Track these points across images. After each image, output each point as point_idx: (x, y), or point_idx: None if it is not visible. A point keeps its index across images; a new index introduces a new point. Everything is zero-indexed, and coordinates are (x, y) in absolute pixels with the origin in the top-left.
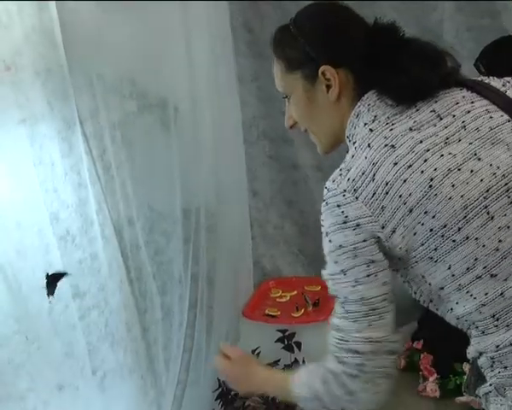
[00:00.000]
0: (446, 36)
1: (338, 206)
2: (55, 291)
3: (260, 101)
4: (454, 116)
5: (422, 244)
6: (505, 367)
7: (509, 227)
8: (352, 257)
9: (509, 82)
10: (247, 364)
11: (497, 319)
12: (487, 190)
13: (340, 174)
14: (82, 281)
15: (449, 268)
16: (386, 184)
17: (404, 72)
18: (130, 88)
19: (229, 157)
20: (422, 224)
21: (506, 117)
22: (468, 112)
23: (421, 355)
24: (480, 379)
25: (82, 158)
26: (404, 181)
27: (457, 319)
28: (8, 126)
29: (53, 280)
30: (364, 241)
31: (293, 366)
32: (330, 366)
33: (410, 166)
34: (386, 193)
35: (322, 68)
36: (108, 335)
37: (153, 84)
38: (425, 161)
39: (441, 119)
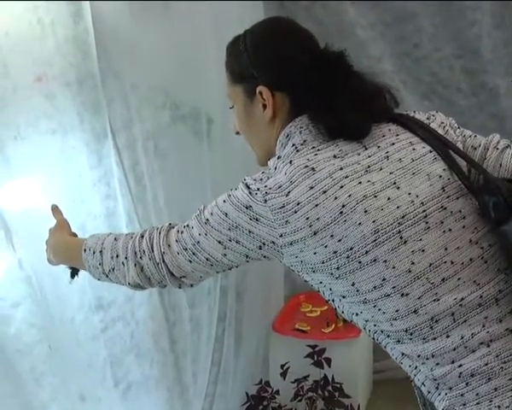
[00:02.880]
0: (484, 52)
1: (250, 194)
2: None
3: None
4: (379, 147)
5: (323, 262)
6: (450, 388)
7: (423, 251)
8: (225, 227)
9: (433, 115)
10: (58, 232)
11: (411, 334)
12: (403, 217)
13: (261, 178)
14: (107, 292)
15: (352, 285)
16: (298, 204)
17: (337, 114)
18: (164, 98)
19: (260, 169)
20: (326, 246)
21: (428, 148)
22: (393, 144)
23: None
24: (431, 406)
25: (112, 169)
26: (316, 205)
27: (366, 321)
28: (37, 137)
29: None
30: (250, 232)
31: (322, 382)
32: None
33: (325, 191)
34: (295, 212)
35: (259, 88)
36: (134, 346)
37: (186, 95)
38: (341, 187)
39: (366, 149)
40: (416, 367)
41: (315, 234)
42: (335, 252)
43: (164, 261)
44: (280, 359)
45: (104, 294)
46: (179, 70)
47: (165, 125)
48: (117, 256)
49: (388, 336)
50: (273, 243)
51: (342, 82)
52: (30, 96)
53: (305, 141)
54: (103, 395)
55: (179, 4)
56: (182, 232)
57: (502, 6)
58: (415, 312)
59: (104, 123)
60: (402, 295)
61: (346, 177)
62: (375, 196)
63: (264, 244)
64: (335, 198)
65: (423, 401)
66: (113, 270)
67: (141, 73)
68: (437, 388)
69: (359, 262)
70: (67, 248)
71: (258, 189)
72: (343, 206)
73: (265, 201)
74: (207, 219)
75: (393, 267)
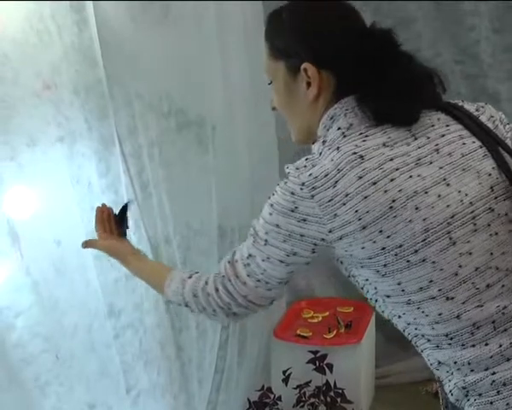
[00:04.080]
0: (483, 56)
1: (292, 193)
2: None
3: None
4: (428, 138)
5: (370, 258)
6: (479, 395)
7: (471, 254)
8: (281, 240)
9: (482, 107)
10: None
11: (451, 339)
12: (452, 216)
13: (305, 166)
14: (117, 300)
15: (398, 284)
16: (346, 195)
17: (385, 97)
18: (169, 106)
19: (265, 176)
20: (374, 241)
21: (478, 143)
22: (443, 135)
23: None
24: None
25: (119, 177)
26: (365, 198)
27: (408, 324)
28: (46, 145)
29: (122, 215)
30: (301, 236)
31: (324, 388)
32: (208, 286)
33: (375, 183)
34: (344, 204)
35: (304, 65)
36: (142, 354)
37: (191, 102)
38: (391, 180)
39: (415, 139)
40: (451, 374)
41: (364, 228)
42: (384, 248)
43: (251, 301)
44: (282, 365)
45: (115, 300)
46: (183, 76)
47: (170, 132)
48: (204, 309)
49: (429, 340)
50: (323, 239)
51: (391, 62)
52: (40, 103)
53: (351, 125)
54: (115, 402)
55: (179, 8)
56: (249, 265)
57: (500, 10)
58: (457, 317)
59: (111, 130)
60: (447, 298)
61: (397, 169)
62: (426, 193)
63: (315, 245)
64: (385, 191)
65: (445, 404)
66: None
67: (145, 81)
68: (466, 395)
69: (407, 261)
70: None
71: (304, 183)
72: (393, 200)
73: (312, 196)
74: (266, 240)
75: (441, 269)
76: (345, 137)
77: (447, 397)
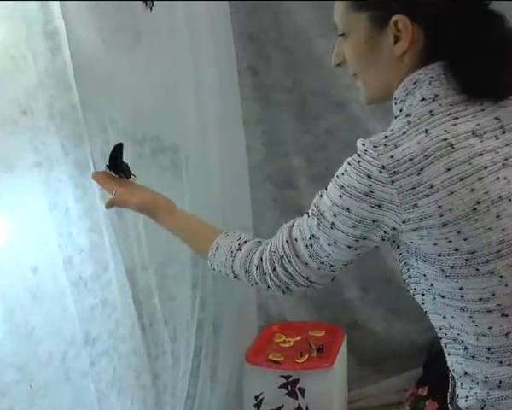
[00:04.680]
0: None
1: (368, 176)
2: None
3: (265, 145)
4: None
5: (439, 255)
6: None
7: None
8: (350, 225)
9: None
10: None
11: (492, 353)
12: None
13: (385, 145)
14: (93, 327)
15: (460, 289)
16: (431, 186)
17: (480, 61)
18: (143, 131)
19: (236, 201)
20: (450, 241)
21: None
22: None
23: (427, 402)
24: None
25: (95, 202)
26: (451, 193)
27: (451, 327)
28: (23, 171)
29: (118, 162)
30: (374, 222)
31: None
32: (263, 263)
33: (462, 179)
34: (427, 196)
35: (396, 17)
36: (116, 382)
37: (164, 127)
38: (479, 179)
39: (504, 132)
40: (476, 384)
41: (443, 226)
42: (457, 250)
43: (312, 281)
44: (254, 390)
45: (91, 327)
46: (156, 101)
47: (144, 158)
48: (256, 283)
49: (466, 348)
50: (394, 228)
51: (484, 26)
52: (16, 130)
53: (436, 96)
54: None
55: (151, 31)
56: (311, 246)
57: None
58: (506, 335)
59: (87, 156)
60: (502, 315)
61: (485, 168)
62: (510, 200)
63: (385, 232)
64: (472, 190)
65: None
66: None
67: (119, 106)
68: (482, 407)
69: (476, 269)
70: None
71: (384, 166)
72: (478, 202)
73: (392, 182)
74: (333, 223)
75: (506, 285)
76: (432, 115)
77: (456, 399)
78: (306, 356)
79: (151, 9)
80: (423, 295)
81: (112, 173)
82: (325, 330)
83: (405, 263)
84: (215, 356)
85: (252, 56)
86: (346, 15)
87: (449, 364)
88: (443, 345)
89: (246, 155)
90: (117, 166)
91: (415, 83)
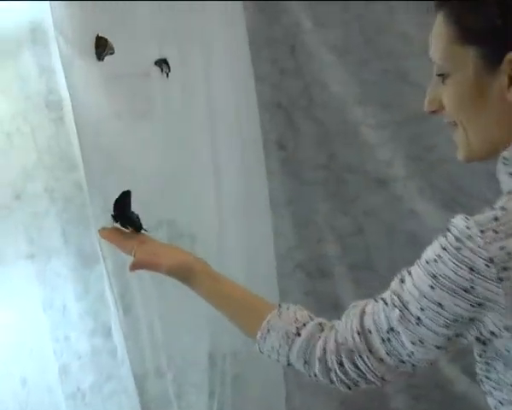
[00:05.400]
0: None
1: (471, 269)
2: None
3: (295, 229)
4: None
5: None
6: None
7: None
8: (441, 324)
9: None
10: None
11: None
12: None
13: (496, 231)
14: None
15: None
16: None
17: None
18: (158, 215)
19: (261, 295)
20: None
21: None
22: None
23: None
24: None
25: (101, 299)
26: None
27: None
28: (15, 263)
29: (123, 204)
30: (471, 320)
31: None
32: (327, 355)
33: None
34: None
35: (510, 56)
36: None
37: (180, 211)
38: None
39: None
40: None
41: None
42: None
43: (386, 380)
44: None
45: None
46: (171, 181)
47: None
48: (316, 376)
49: None
50: (492, 333)
51: None
52: (8, 215)
53: None
54: None
55: (164, 102)
56: (389, 341)
57: None
58: None
59: (94, 245)
60: None
61: None
62: None
63: (481, 334)
64: None
65: None
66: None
67: (130, 186)
68: None
69: None
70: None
71: (492, 260)
72: None
73: (500, 279)
74: (419, 318)
75: None
76: None
77: None
78: None
79: (167, 75)
80: (502, 404)
81: (116, 225)
82: None
83: (487, 363)
84: None
85: (279, 128)
86: (449, 50)
87: None
88: None
89: (272, 240)
90: (125, 217)
91: None
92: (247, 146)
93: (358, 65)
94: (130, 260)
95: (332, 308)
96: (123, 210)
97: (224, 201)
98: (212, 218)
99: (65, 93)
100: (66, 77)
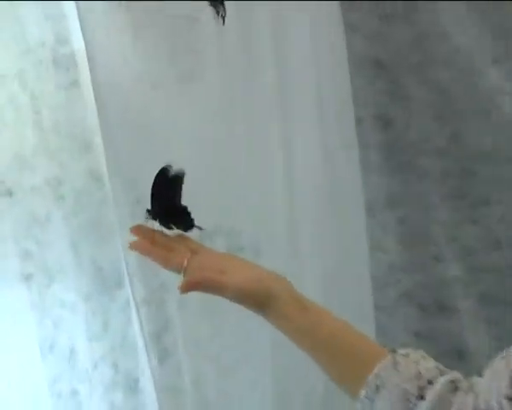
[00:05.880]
0: None
1: None
2: None
3: (403, 242)
4: None
5: None
6: None
7: None
8: None
9: None
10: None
11: None
12: None
13: None
14: None
15: None
16: None
17: None
18: (210, 221)
19: None
20: None
21: None
22: None
23: None
24: None
25: (125, 339)
26: None
27: None
28: (3, 285)
29: (166, 191)
30: None
31: None
32: None
33: None
34: None
35: None
36: None
37: (240, 215)
38: None
39: None
40: None
41: None
42: None
43: None
44: None
45: None
46: (226, 174)
47: None
48: None
49: None
50: None
51: None
52: None
53: None
54: None
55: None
56: None
57: None
58: None
59: (116, 261)
60: None
61: None
62: None
63: None
64: None
65: None
66: None
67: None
68: None
69: None
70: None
71: None
72: None
73: None
74: None
75: None
76: None
77: None
78: None
79: (223, 21)
80: None
81: (154, 224)
82: None
83: None
84: None
85: (379, 97)
86: None
87: None
88: None
89: (367, 258)
90: (170, 209)
91: None
92: (333, 124)
93: (492, 7)
94: (171, 280)
95: (455, 358)
96: (167, 198)
97: (298, 202)
98: (283, 226)
99: (79, 45)
100: (81, 22)
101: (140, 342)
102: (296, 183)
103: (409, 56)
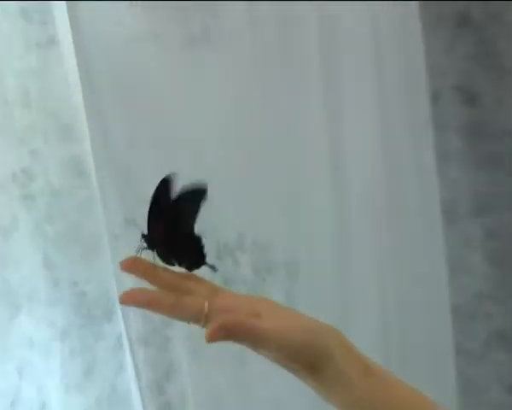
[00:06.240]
0: None
1: None
2: None
3: (492, 260)
4: None
5: None
6: None
7: None
8: None
9: None
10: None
11: None
12: None
13: None
14: None
15: None
16: None
17: None
18: (234, 231)
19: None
20: None
21: None
22: None
23: None
24: None
25: (113, 392)
26: None
27: None
28: None
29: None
30: None
31: None
32: None
33: None
34: None
35: None
36: None
37: (272, 226)
38: None
39: None
40: None
41: None
42: None
43: None
44: None
45: None
46: (254, 172)
47: (238, 278)
48: None
49: None
50: None
51: None
52: None
53: None
54: None
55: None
56: None
57: None
58: None
59: (106, 291)
60: None
61: None
62: None
63: None
64: None
65: None
66: None
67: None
68: None
69: None
70: None
71: None
72: None
73: None
74: None
75: None
76: None
77: None
78: None
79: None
80: None
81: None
82: None
83: None
84: None
85: (461, 64)
86: None
87: None
88: None
89: (446, 283)
90: (177, 238)
91: None
92: (397, 99)
93: None
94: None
95: None
96: (174, 222)
97: (349, 206)
98: (328, 238)
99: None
100: None
101: (135, 395)
102: (346, 180)
103: (503, 12)
